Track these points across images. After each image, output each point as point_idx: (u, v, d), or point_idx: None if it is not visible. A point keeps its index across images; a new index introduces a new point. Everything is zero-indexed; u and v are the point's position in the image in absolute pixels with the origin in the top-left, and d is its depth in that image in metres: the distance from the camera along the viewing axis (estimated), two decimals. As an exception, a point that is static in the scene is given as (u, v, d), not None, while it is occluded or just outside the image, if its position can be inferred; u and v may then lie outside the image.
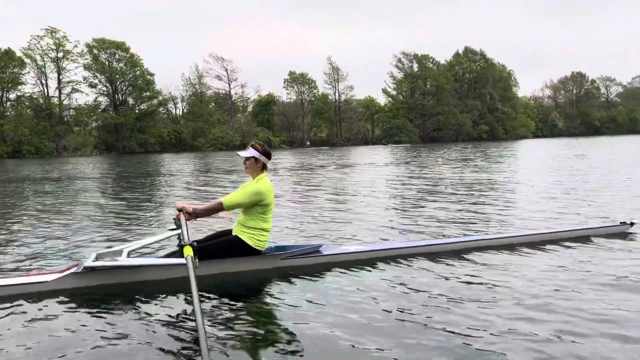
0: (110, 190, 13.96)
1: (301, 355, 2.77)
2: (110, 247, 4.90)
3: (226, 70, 78.83)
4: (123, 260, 4.10)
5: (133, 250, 4.32)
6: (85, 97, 71.53)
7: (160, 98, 74.64)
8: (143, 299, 3.80)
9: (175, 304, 3.70)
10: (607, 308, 3.33)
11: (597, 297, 3.54)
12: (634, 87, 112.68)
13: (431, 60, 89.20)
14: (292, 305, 3.56)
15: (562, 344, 2.81)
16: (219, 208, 4.31)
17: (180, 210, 4.19)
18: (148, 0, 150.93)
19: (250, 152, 4.44)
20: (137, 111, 71.34)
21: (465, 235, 5.81)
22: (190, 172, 21.77)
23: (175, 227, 4.42)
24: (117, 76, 69.48)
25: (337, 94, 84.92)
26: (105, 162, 37.55)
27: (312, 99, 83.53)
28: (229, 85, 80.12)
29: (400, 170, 18.79)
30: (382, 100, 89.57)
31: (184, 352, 2.88)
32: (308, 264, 4.50)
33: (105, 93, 70.38)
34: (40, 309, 3.58)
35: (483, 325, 3.10)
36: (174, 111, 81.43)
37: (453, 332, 3.00)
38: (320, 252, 4.63)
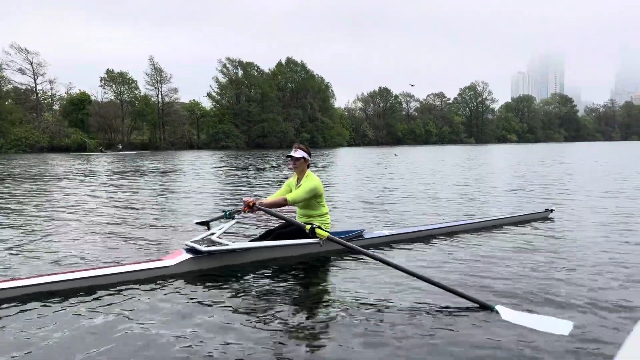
0: None
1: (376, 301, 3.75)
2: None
3: (31, 63, 70.85)
4: (249, 243, 4.86)
5: (220, 236, 4.98)
6: None
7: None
8: (261, 277, 4.42)
9: (287, 282, 4.31)
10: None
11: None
12: (428, 103, 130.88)
13: (256, 68, 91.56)
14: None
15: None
16: (283, 203, 5.01)
17: (247, 203, 4.82)
18: None
19: (300, 153, 5.19)
20: None
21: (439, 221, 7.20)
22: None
23: (227, 217, 5.19)
24: None
25: (160, 96, 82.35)
26: None
27: (133, 99, 79.56)
28: (35, 80, 72.13)
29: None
30: (207, 104, 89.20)
31: (320, 329, 3.25)
32: (359, 245, 5.54)
33: None
34: (167, 290, 3.98)
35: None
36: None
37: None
38: (363, 236, 5.64)
